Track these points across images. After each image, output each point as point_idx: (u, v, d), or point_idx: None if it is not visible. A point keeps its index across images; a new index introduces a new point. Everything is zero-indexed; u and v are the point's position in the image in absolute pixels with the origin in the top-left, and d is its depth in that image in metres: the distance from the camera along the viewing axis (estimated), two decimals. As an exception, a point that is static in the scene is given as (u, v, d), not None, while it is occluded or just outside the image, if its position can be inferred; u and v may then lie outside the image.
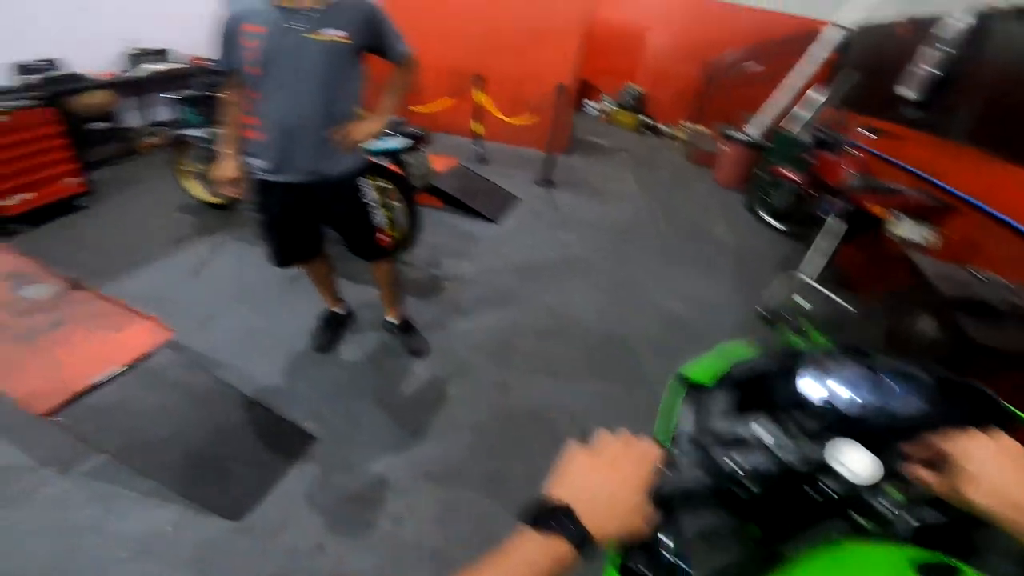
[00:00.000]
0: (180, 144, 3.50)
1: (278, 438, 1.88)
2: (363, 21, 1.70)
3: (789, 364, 0.86)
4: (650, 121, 8.20)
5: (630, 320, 2.91)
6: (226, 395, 1.91)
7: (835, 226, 3.30)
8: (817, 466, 0.66)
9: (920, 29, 4.11)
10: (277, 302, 2.68)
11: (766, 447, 0.70)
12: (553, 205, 4.43)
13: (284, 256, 2.03)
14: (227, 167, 1.83)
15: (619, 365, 2.55)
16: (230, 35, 1.69)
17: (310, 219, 1.96)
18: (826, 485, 0.64)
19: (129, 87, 4.95)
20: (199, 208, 3.64)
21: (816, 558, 0.58)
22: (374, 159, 2.44)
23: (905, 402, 0.78)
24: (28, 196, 3.33)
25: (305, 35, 1.63)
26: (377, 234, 2.03)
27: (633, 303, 3.09)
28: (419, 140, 2.84)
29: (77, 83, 4.36)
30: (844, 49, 5.74)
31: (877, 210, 3.11)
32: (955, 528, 0.64)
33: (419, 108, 5.21)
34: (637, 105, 8.21)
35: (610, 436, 0.59)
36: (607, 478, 0.53)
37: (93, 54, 4.63)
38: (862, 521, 0.63)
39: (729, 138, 5.59)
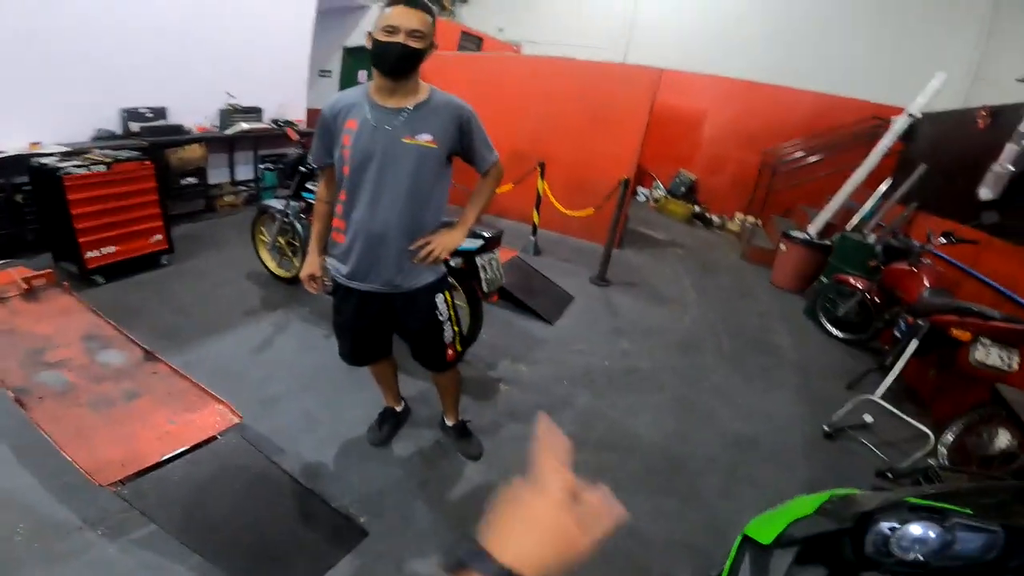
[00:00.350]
0: (261, 213, 3.70)
1: (330, 529, 1.85)
2: (455, 126, 1.65)
3: (852, 521, 0.98)
4: (702, 211, 8.23)
5: (690, 436, 2.81)
6: (282, 482, 1.91)
7: (908, 345, 3.16)
8: None
9: (999, 119, 4.00)
10: (337, 389, 2.72)
11: None
12: (609, 307, 4.38)
13: (355, 357, 2.05)
14: (310, 264, 1.87)
15: (677, 482, 2.43)
16: (329, 128, 1.66)
17: (383, 327, 1.96)
18: None
19: (221, 143, 5.13)
20: (268, 279, 3.81)
21: None
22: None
23: (972, 552, 0.91)
24: (113, 249, 3.50)
25: (396, 137, 1.59)
26: (446, 350, 1.99)
27: (693, 418, 2.98)
28: (494, 242, 2.69)
29: (178, 135, 4.55)
30: (908, 138, 5.62)
31: (959, 333, 2.97)
32: None
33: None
34: (689, 193, 8.31)
35: None
36: None
37: (195, 106, 4.85)
38: None
39: (788, 237, 5.55)
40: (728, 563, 1.12)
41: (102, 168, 3.38)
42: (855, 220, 5.55)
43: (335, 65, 7.74)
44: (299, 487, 1.92)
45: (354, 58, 7.59)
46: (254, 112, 5.38)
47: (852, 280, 4.23)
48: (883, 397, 3.05)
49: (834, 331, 4.57)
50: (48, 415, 1.85)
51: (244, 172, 5.68)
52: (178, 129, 4.63)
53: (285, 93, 5.86)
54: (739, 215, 7.87)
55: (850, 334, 4.46)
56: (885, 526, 0.95)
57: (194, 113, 4.90)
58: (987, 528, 0.94)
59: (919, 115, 5.41)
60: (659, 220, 7.77)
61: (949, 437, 2.83)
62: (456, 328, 2.00)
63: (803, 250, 5.40)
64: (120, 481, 1.65)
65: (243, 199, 5.48)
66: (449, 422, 2.40)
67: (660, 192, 8.49)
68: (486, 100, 3.93)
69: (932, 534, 0.92)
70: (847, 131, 6.93)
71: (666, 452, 2.63)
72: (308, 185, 3.44)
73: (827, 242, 5.31)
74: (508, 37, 9.67)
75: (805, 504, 1.12)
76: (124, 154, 3.63)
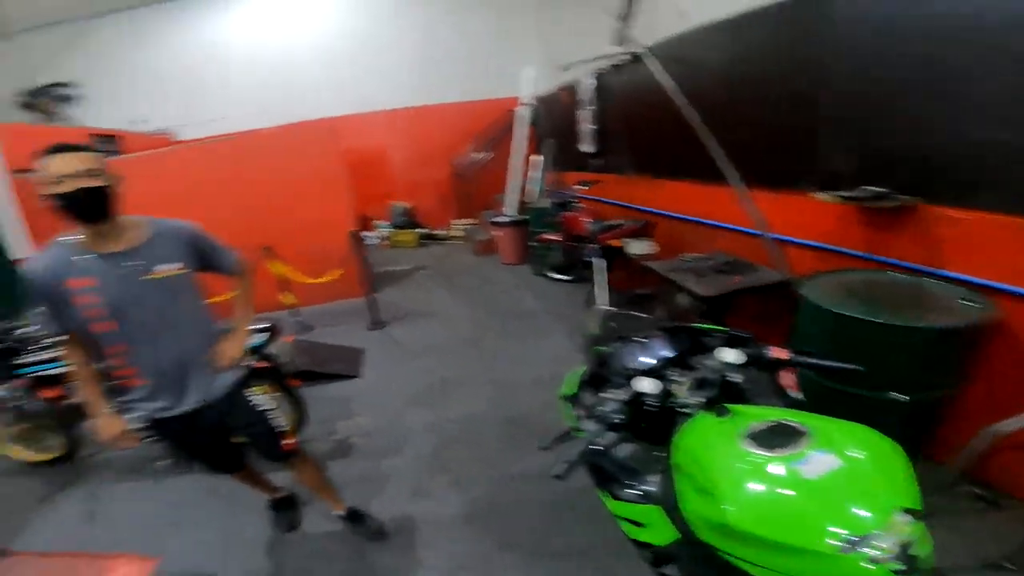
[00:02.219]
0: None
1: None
2: (189, 246, 1.87)
3: (603, 359, 1.54)
4: (427, 231, 9.64)
5: (514, 399, 3.73)
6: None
7: (598, 263, 4.81)
8: (635, 394, 1.27)
9: (572, 94, 5.93)
10: (212, 517, 2.87)
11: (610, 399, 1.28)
12: (395, 342, 5.11)
13: (218, 467, 2.28)
14: (111, 424, 1.90)
15: (530, 435, 3.23)
16: (54, 295, 1.67)
17: (220, 435, 2.14)
18: (647, 400, 1.27)
19: None
20: (27, 469, 3.52)
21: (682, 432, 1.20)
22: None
23: (663, 349, 1.46)
24: None
25: (143, 277, 1.73)
26: (282, 440, 2.17)
27: (508, 386, 3.93)
28: (274, 330, 3.08)
29: None
30: (535, 121, 7.62)
31: (615, 243, 4.68)
32: (722, 390, 1.29)
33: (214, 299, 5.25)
34: (410, 221, 9.60)
35: None
36: None
37: None
38: (683, 407, 1.26)
39: (495, 224, 7.20)
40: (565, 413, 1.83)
41: None
42: (534, 193, 7.53)
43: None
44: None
45: None
46: None
47: (549, 236, 5.93)
48: (609, 304, 4.55)
49: (558, 276, 6.30)
50: None
51: None
52: None
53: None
54: (457, 222, 9.49)
55: (568, 275, 6.22)
56: (617, 355, 1.51)
57: None
58: (662, 333, 1.49)
59: (532, 102, 7.50)
60: (395, 255, 8.79)
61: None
62: (286, 417, 2.32)
63: (510, 230, 7.12)
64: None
65: None
66: (338, 512, 2.52)
67: (385, 228, 9.55)
68: (186, 205, 3.91)
69: (639, 347, 1.48)
70: (497, 127, 8.91)
71: (508, 419, 3.50)
72: (15, 361, 3.33)
73: (525, 216, 7.11)
74: (154, 127, 9.12)
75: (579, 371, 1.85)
76: None
